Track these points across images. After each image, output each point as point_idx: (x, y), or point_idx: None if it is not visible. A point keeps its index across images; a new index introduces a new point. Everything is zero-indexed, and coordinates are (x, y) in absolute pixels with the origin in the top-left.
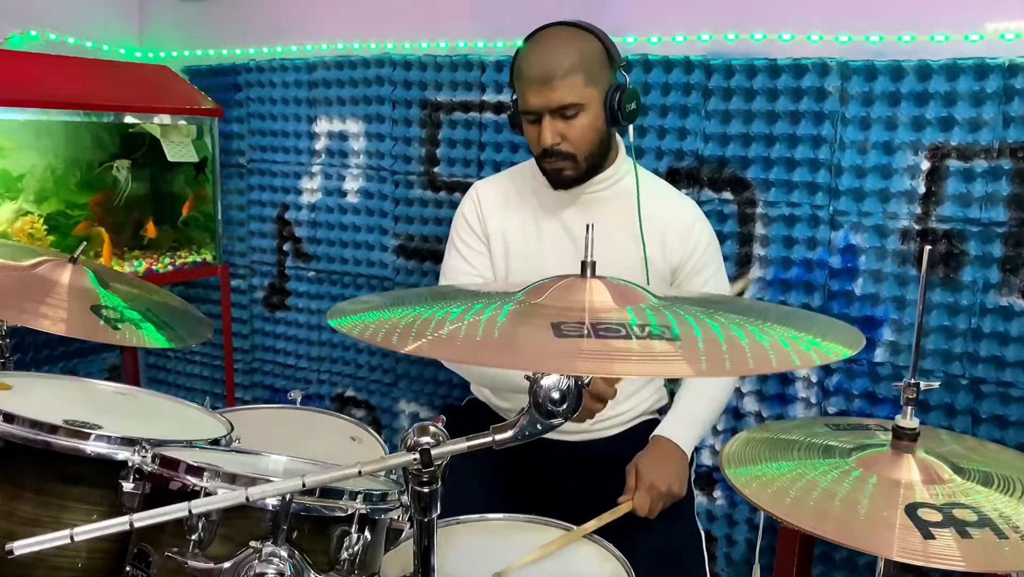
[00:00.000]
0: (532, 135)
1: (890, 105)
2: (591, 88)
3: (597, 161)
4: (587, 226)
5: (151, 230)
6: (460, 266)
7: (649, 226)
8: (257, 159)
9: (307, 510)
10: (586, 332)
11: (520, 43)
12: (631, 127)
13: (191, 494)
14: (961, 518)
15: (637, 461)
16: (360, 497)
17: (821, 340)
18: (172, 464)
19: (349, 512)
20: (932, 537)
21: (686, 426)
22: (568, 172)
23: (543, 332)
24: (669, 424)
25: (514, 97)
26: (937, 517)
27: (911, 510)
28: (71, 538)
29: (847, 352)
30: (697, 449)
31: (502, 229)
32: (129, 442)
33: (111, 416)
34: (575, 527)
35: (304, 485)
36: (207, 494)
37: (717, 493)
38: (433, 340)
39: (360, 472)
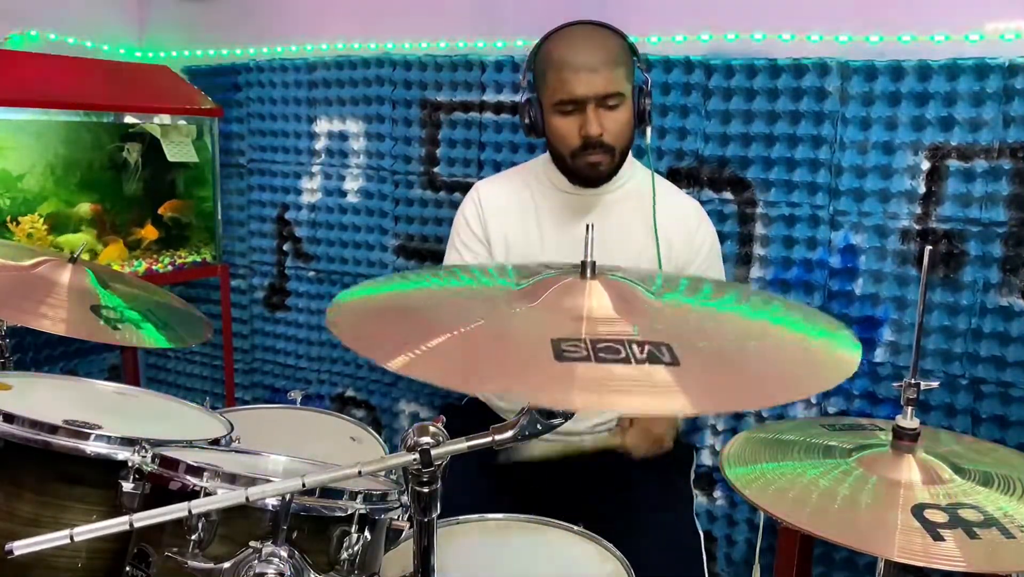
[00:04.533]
0: (566, 128)
1: (890, 105)
2: (629, 83)
3: (624, 160)
4: (587, 226)
5: (150, 231)
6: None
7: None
8: (257, 159)
9: (307, 510)
10: (586, 352)
11: (521, 43)
12: (649, 129)
13: (191, 494)
14: (967, 518)
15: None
16: (360, 497)
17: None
18: (172, 464)
19: (349, 512)
20: (941, 539)
21: None
22: (604, 167)
23: (542, 351)
24: None
25: (526, 97)
26: (943, 518)
27: (918, 511)
28: (71, 538)
29: (846, 373)
30: (697, 449)
31: (504, 232)
32: (129, 442)
33: (111, 416)
34: (575, 527)
35: (304, 485)
36: (207, 494)
37: (717, 493)
38: (421, 355)
39: (360, 472)
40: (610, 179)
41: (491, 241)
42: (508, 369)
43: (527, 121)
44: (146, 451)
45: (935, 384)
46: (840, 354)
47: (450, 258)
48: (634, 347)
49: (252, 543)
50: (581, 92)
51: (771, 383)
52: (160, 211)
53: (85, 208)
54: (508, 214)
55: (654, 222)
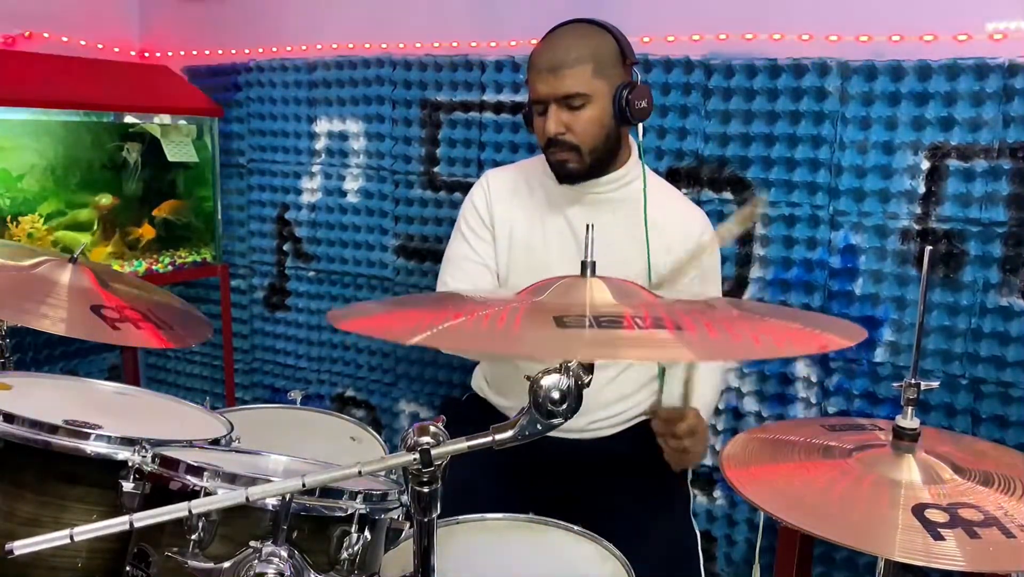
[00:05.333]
0: (539, 126)
1: (890, 105)
2: (599, 81)
3: (603, 158)
4: (587, 226)
5: (147, 230)
6: (465, 252)
7: (656, 233)
8: (257, 159)
9: (307, 510)
10: (588, 324)
11: (521, 43)
12: (641, 127)
13: (191, 494)
14: (968, 518)
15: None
16: (360, 497)
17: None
18: (172, 464)
19: (349, 512)
20: (942, 538)
21: (703, 404)
22: (572, 165)
23: (545, 324)
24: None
25: (527, 95)
26: (944, 517)
27: (918, 511)
28: (71, 538)
29: (849, 341)
30: None
31: (508, 220)
32: (129, 442)
33: (111, 416)
34: (575, 527)
35: (304, 485)
36: (207, 494)
37: (717, 493)
38: (437, 332)
39: (360, 472)
40: (588, 178)
41: (495, 227)
42: (516, 336)
43: (525, 121)
44: (146, 451)
45: (935, 384)
46: (843, 328)
47: (455, 242)
48: (637, 320)
49: (252, 543)
50: (542, 93)
51: (769, 340)
52: (155, 212)
53: (106, 199)
54: (514, 204)
55: (644, 222)
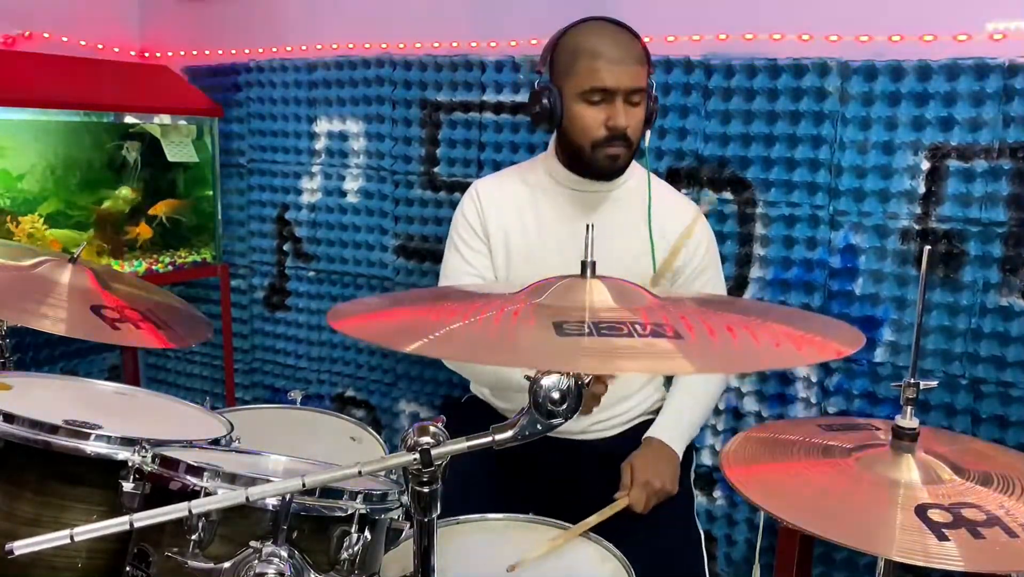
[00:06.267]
0: (591, 118)
1: (890, 105)
2: (646, 82)
3: (633, 157)
4: (587, 226)
5: (145, 229)
6: (460, 265)
7: (653, 228)
8: (257, 159)
9: (307, 510)
10: (587, 330)
11: (521, 43)
12: (649, 131)
13: (191, 494)
14: (971, 518)
15: (632, 460)
16: (360, 497)
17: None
18: (172, 464)
19: (349, 512)
20: (947, 539)
21: (677, 427)
22: (621, 160)
23: (544, 331)
24: (661, 425)
25: (539, 85)
26: (947, 518)
27: (921, 511)
28: (71, 538)
29: (849, 349)
30: (697, 449)
31: (503, 228)
32: (129, 442)
33: (111, 416)
34: (572, 525)
35: (304, 485)
36: (207, 494)
37: (717, 493)
38: (434, 339)
39: (360, 472)
40: (621, 173)
41: (490, 237)
42: (514, 345)
43: (542, 107)
44: (146, 451)
45: (934, 384)
46: (843, 332)
47: (450, 256)
48: (637, 327)
49: (252, 543)
50: (612, 83)
51: (770, 352)
52: (152, 211)
53: (125, 192)
54: (507, 211)
55: (649, 221)
